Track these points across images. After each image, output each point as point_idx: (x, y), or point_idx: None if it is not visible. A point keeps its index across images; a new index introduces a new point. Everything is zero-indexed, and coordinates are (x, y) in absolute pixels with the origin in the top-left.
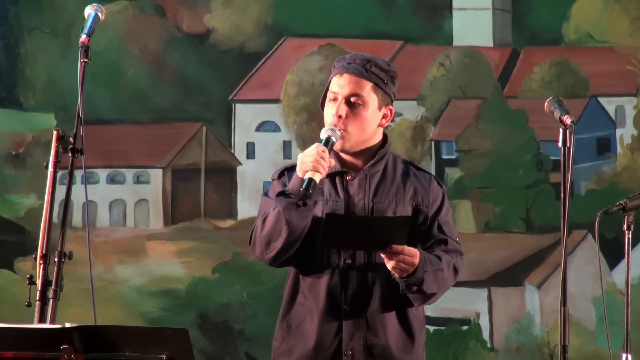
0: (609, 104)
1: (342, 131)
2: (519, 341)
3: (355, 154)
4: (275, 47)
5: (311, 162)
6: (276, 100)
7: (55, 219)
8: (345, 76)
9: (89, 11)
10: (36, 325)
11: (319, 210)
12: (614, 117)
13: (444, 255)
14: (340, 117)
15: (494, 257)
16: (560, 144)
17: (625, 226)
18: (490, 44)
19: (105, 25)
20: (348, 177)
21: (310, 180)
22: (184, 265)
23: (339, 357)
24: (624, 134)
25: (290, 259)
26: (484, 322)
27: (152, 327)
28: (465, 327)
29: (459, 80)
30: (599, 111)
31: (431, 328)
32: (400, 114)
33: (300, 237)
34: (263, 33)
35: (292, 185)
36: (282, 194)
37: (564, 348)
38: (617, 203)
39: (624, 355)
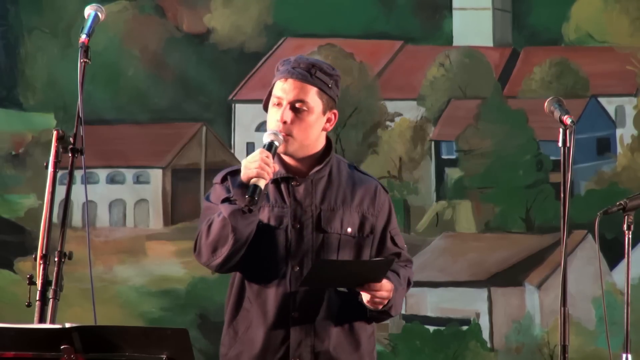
0: (609, 104)
1: (285, 136)
2: (519, 341)
3: (299, 160)
4: (275, 47)
5: (255, 169)
6: None
7: (55, 219)
8: (290, 81)
9: (89, 11)
10: (36, 325)
11: (264, 216)
12: (614, 117)
13: (401, 270)
14: (285, 122)
15: (494, 257)
16: (560, 144)
17: (625, 226)
18: (490, 44)
19: (105, 25)
20: (294, 183)
21: (256, 187)
22: (183, 265)
23: None
24: (624, 134)
25: (237, 265)
26: (484, 322)
27: (152, 327)
28: (465, 327)
29: (459, 80)
30: (599, 111)
31: (431, 328)
32: (400, 114)
33: (246, 243)
34: (263, 33)
35: (236, 191)
36: (227, 200)
37: (564, 348)
38: (617, 203)
39: (624, 355)
